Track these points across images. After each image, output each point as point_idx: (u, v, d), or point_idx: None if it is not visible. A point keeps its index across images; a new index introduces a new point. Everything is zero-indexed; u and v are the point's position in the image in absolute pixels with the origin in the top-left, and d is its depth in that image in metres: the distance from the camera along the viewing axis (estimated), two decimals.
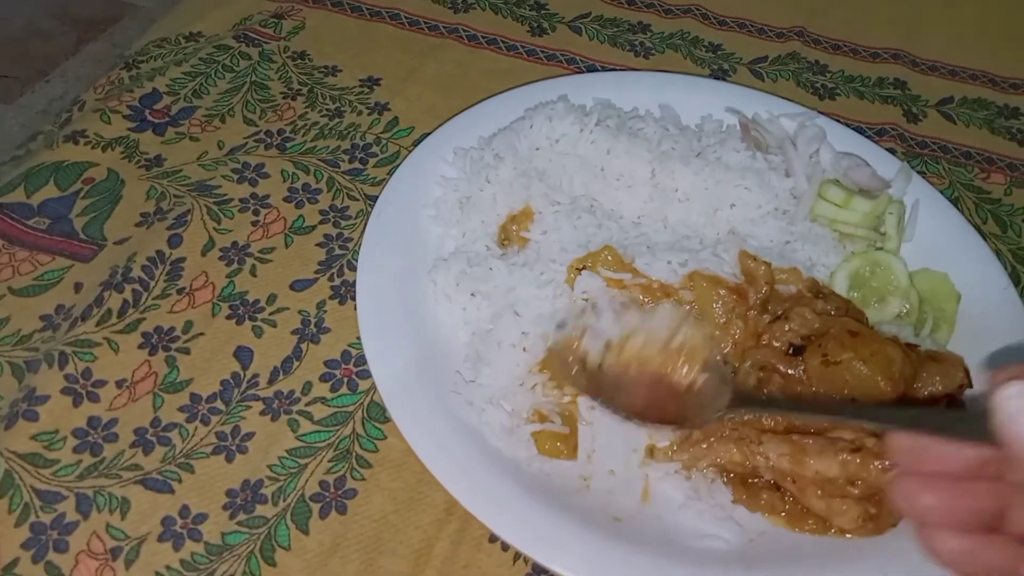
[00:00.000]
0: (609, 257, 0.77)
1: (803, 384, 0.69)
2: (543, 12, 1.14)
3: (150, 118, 0.94)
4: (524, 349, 0.73)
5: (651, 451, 0.72)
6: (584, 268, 0.77)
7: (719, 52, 1.13)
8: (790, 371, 0.71)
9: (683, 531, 0.67)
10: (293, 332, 0.78)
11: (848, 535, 0.67)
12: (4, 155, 0.91)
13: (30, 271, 0.80)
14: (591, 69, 1.07)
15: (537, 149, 0.86)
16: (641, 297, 0.76)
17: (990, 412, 0.39)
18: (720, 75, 1.09)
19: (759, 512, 0.69)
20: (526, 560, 0.67)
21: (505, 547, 0.67)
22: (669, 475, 0.70)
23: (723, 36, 1.15)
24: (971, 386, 0.74)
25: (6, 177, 0.87)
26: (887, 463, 0.64)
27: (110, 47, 2.52)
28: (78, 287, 0.79)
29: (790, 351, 0.72)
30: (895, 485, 0.43)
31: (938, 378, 0.73)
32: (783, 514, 0.68)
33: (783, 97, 1.01)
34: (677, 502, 0.68)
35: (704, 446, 0.70)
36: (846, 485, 0.66)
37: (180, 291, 0.79)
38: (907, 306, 0.81)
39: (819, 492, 0.66)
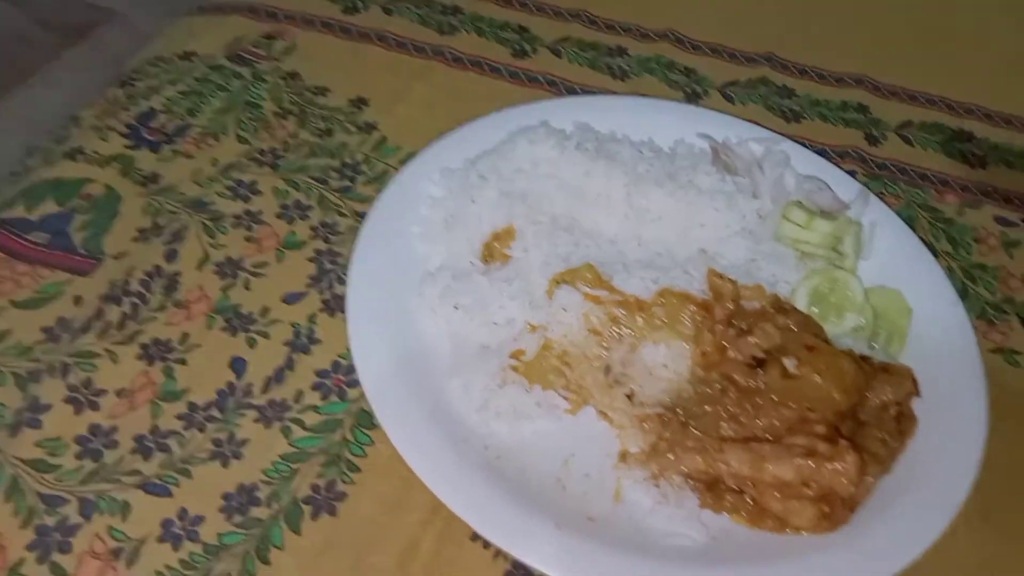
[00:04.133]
0: (588, 275, 0.82)
1: (762, 395, 0.74)
2: (525, 35, 1.19)
3: (146, 136, 0.97)
4: (503, 356, 0.78)
5: (624, 456, 0.77)
6: (564, 282, 0.81)
7: (693, 76, 1.18)
8: (751, 383, 0.76)
9: (652, 530, 0.71)
10: (285, 343, 0.82)
11: (804, 533, 0.72)
12: None
13: (31, 285, 0.83)
14: (571, 91, 1.12)
15: (519, 171, 0.90)
16: (616, 312, 0.80)
17: None
18: (693, 97, 1.15)
19: (724, 513, 0.74)
20: (505, 557, 0.71)
21: (486, 545, 0.72)
22: (639, 483, 0.74)
23: (697, 60, 1.21)
24: (919, 395, 0.80)
25: (6, 193, 0.90)
26: (839, 466, 0.69)
27: (92, 53, 2.52)
28: (78, 300, 0.82)
29: (752, 364, 0.78)
30: None
31: (888, 388, 0.79)
32: (745, 515, 0.73)
33: (752, 121, 1.06)
34: (647, 507, 0.73)
35: (671, 456, 0.74)
36: (802, 487, 0.71)
37: (177, 304, 0.83)
38: (863, 320, 0.86)
39: (777, 495, 0.72)
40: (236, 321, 0.83)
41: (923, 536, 0.70)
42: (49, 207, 0.89)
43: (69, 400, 0.75)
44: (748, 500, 0.73)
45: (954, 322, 0.87)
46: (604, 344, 0.80)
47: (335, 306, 0.85)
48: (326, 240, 0.91)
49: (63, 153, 0.94)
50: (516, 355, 0.79)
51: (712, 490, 0.74)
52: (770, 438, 0.73)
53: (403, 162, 0.94)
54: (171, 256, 0.86)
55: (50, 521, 0.69)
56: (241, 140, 0.99)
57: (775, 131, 1.04)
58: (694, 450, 0.73)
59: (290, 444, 0.75)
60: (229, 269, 0.87)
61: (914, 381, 0.79)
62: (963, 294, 0.96)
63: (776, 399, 0.75)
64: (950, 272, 0.98)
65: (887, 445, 0.75)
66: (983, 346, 0.87)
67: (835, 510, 0.70)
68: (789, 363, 0.76)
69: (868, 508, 0.73)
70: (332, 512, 0.72)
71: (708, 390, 0.77)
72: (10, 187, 0.91)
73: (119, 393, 0.76)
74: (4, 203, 0.89)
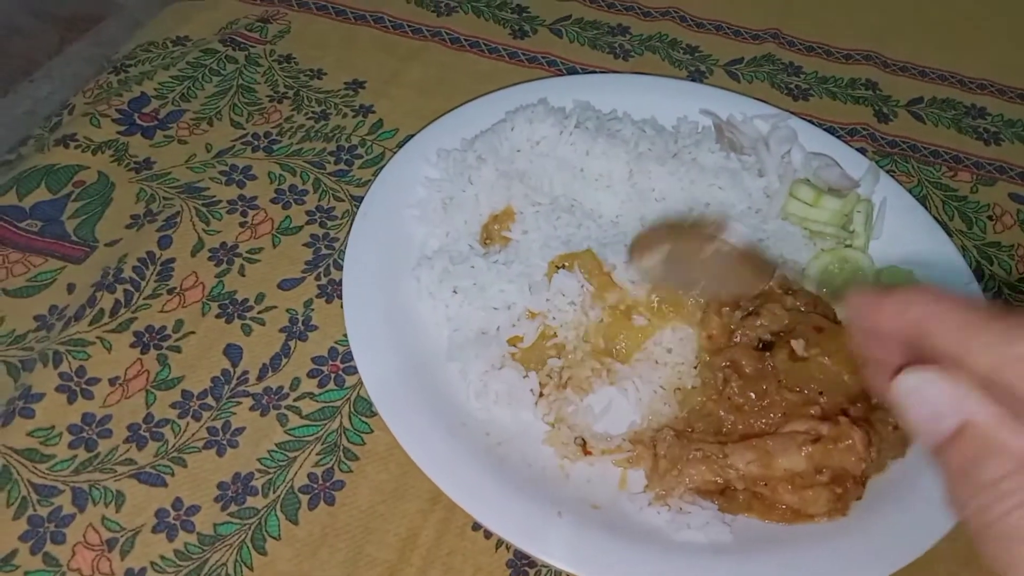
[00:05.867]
0: (589, 263, 0.80)
1: (768, 379, 0.72)
2: (524, 15, 1.17)
3: (139, 122, 0.96)
4: (502, 342, 0.76)
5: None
6: (563, 267, 0.79)
7: (696, 54, 1.16)
8: (758, 367, 0.73)
9: (658, 518, 0.69)
10: (281, 330, 0.80)
11: (817, 519, 0.70)
12: None
13: (23, 272, 0.81)
14: (571, 71, 1.10)
15: (518, 151, 0.88)
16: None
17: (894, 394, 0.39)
18: (697, 76, 1.12)
19: (741, 513, 0.70)
20: (508, 547, 0.70)
21: (488, 534, 0.70)
22: (645, 509, 0.69)
23: (700, 38, 1.18)
24: None
25: None
26: (847, 443, 0.67)
27: (95, 47, 2.51)
28: (71, 288, 0.81)
29: (759, 347, 0.75)
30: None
31: None
32: (756, 510, 0.71)
33: (757, 98, 1.04)
34: (665, 532, 0.68)
35: (674, 473, 0.70)
36: (814, 475, 0.69)
37: (171, 291, 0.81)
38: None
39: (789, 487, 0.69)
40: (231, 308, 0.81)
41: (940, 523, 0.67)
42: (42, 194, 0.88)
43: (62, 389, 0.74)
44: (759, 496, 0.70)
45: None
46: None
47: (332, 292, 0.84)
48: (322, 225, 0.89)
49: (55, 140, 0.93)
50: (514, 341, 0.77)
51: (725, 495, 0.71)
52: (766, 429, 0.70)
53: (400, 145, 0.92)
54: (165, 242, 0.85)
55: (43, 512, 0.67)
56: (235, 125, 0.97)
57: (782, 109, 1.02)
58: (698, 460, 0.69)
59: (286, 432, 0.74)
60: (224, 255, 0.85)
61: None
62: (979, 274, 0.93)
63: (783, 382, 0.72)
64: (964, 251, 0.96)
65: (900, 429, 0.72)
66: None
67: (846, 489, 0.68)
68: (798, 345, 0.74)
69: (883, 494, 0.70)
70: (330, 501, 0.71)
71: (716, 374, 0.74)
72: (2, 175, 0.89)
73: (112, 381, 0.75)
74: None
